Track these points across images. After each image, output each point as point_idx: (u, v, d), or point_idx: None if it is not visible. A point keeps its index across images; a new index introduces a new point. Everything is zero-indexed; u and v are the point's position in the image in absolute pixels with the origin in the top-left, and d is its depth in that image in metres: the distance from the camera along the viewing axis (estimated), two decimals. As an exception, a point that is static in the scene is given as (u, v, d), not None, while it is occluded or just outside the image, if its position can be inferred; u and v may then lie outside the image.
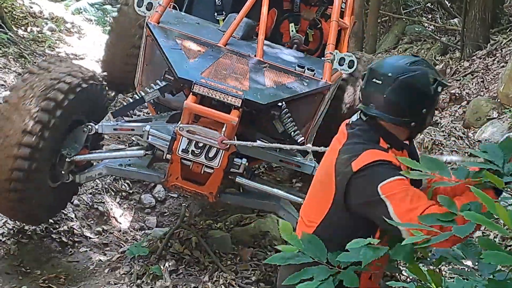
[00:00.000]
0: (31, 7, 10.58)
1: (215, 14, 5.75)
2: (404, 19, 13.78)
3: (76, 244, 5.01)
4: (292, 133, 4.43)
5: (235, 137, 4.22)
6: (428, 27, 13.72)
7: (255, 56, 4.71)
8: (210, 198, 4.41)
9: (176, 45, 4.53)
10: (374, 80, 2.75)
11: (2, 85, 7.18)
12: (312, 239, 2.61)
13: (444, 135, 8.12)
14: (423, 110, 2.74)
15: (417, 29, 13.39)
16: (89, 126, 4.52)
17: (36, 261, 4.70)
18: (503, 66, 9.45)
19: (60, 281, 4.56)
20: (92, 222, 5.34)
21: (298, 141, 4.43)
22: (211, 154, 4.20)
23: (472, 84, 9.68)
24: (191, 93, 4.14)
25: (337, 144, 2.80)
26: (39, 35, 9.68)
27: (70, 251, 4.93)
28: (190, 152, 4.20)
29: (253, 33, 5.10)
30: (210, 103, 4.17)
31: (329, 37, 4.94)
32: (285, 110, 4.38)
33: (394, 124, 2.75)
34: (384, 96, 2.71)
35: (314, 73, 4.62)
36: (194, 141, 4.17)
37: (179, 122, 4.17)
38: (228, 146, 4.11)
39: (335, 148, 2.77)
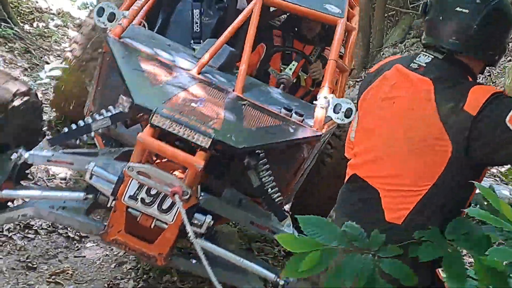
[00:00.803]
0: (37, 2, 10.58)
1: (192, 41, 4.92)
2: (411, 14, 13.72)
3: (83, 239, 4.89)
4: (270, 189, 3.60)
5: (198, 187, 3.39)
6: (435, 22, 13.66)
7: (233, 90, 3.88)
8: (158, 260, 3.47)
9: (138, 66, 3.73)
10: (457, 8, 2.39)
11: (8, 80, 7.15)
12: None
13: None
14: (507, 41, 2.47)
15: (424, 23, 13.36)
16: (18, 153, 3.63)
17: (42, 256, 4.59)
18: (510, 60, 9.41)
19: (67, 276, 4.42)
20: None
21: (277, 199, 3.63)
22: (165, 205, 3.32)
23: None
24: (148, 124, 3.29)
25: (416, 97, 2.40)
26: (45, 30, 9.72)
27: (77, 246, 4.82)
28: (139, 200, 3.32)
29: (234, 64, 4.31)
30: (171, 140, 3.36)
31: (324, 77, 4.13)
32: (263, 160, 3.56)
33: (477, 59, 2.46)
34: (474, 27, 2.37)
35: (303, 119, 3.82)
36: (146, 187, 3.30)
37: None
38: (188, 197, 3.26)
39: (418, 100, 2.37)
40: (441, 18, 2.42)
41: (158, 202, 3.31)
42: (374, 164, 2.52)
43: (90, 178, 3.42)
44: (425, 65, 2.44)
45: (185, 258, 3.61)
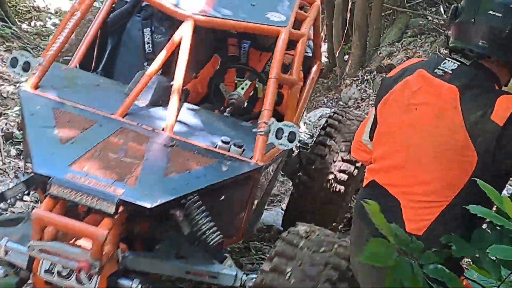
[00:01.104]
0: (35, 1, 10.59)
1: (145, 63, 4.53)
2: (408, 13, 13.69)
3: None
4: (207, 231, 3.39)
5: (118, 251, 3.16)
6: (432, 21, 13.66)
7: (163, 130, 3.59)
8: None
9: (49, 122, 3.43)
10: (490, 12, 2.33)
11: (6, 79, 7.15)
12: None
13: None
14: None
15: (421, 22, 13.30)
16: None
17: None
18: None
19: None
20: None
21: (213, 241, 3.38)
22: (83, 277, 3.07)
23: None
24: (48, 195, 3.03)
25: (441, 105, 2.33)
26: (43, 29, 9.70)
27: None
28: (55, 273, 3.08)
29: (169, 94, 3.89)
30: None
31: (264, 100, 3.75)
32: (196, 204, 3.34)
33: (505, 64, 2.39)
34: (506, 31, 2.31)
35: (243, 150, 3.54)
36: None
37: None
38: (99, 269, 2.97)
39: (444, 108, 2.31)
40: (472, 21, 2.37)
41: (75, 274, 3.07)
42: (394, 171, 2.45)
43: (6, 254, 3.19)
44: (451, 72, 2.38)
45: None
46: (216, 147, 3.57)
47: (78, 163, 3.20)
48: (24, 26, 9.43)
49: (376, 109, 2.63)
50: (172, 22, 4.51)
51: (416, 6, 14.19)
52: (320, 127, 5.35)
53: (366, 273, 2.52)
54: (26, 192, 3.52)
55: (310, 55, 5.18)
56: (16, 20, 9.23)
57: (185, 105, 3.97)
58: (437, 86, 2.36)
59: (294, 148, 5.40)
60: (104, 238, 2.91)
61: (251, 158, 3.55)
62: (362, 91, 10.67)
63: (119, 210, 3.04)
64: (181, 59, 3.82)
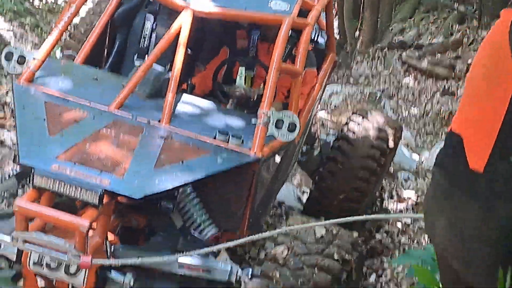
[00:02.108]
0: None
1: (135, 57, 4.44)
2: (420, -12, 13.45)
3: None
4: (202, 224, 3.36)
5: (107, 243, 3.12)
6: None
7: (159, 122, 3.51)
8: None
9: (40, 114, 3.39)
10: None
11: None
12: None
13: (461, 105, 7.91)
14: None
15: (433, -2, 13.05)
16: None
17: None
18: None
19: None
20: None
21: (208, 234, 3.35)
22: (72, 269, 3.01)
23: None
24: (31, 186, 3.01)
25: None
26: (54, 6, 9.74)
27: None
28: (44, 265, 3.05)
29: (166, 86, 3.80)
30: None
31: (264, 91, 3.64)
32: (190, 196, 3.32)
33: None
34: None
35: (242, 142, 3.44)
36: None
37: None
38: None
39: None
40: None
41: (64, 265, 3.03)
42: (459, 110, 2.27)
43: None
44: None
45: None
46: (214, 138, 3.47)
47: (65, 154, 3.14)
48: (36, 2, 9.46)
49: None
50: (176, 15, 4.33)
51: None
52: (344, 122, 5.32)
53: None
54: (20, 187, 3.50)
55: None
56: (29, -4, 9.30)
57: (185, 96, 3.87)
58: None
59: (315, 145, 5.41)
60: (87, 228, 2.84)
61: (249, 149, 3.44)
62: (373, 68, 10.50)
63: (105, 201, 2.96)
64: (179, 49, 3.72)
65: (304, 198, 5.52)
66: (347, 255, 2.92)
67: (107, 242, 3.13)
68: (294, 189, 5.82)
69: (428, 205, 2.43)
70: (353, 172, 4.85)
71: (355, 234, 3.14)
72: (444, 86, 8.83)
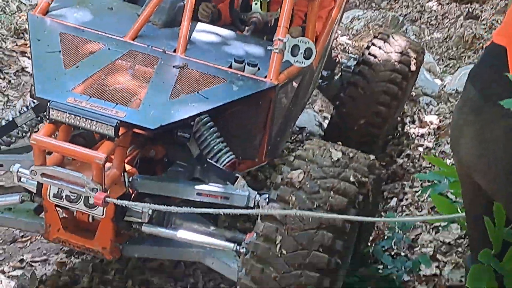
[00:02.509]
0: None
1: None
2: None
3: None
4: (218, 152, 3.36)
5: (125, 174, 3.14)
6: None
7: (174, 51, 3.49)
8: (105, 254, 3.24)
9: (55, 46, 3.38)
10: None
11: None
12: None
13: (485, 28, 7.76)
14: None
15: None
16: None
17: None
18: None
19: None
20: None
21: (224, 161, 3.34)
22: (92, 200, 3.00)
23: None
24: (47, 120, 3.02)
25: None
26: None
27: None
28: (64, 197, 3.09)
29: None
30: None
31: (280, 16, 3.58)
32: (207, 125, 3.32)
33: None
34: None
35: (258, 70, 3.44)
36: None
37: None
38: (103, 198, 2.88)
39: None
40: None
41: (83, 197, 3.06)
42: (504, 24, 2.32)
43: (19, 180, 3.19)
44: None
45: (137, 244, 3.36)
46: (230, 66, 3.46)
47: (81, 87, 3.15)
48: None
49: None
50: None
51: None
52: (365, 46, 5.26)
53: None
54: (39, 120, 3.54)
55: None
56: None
57: (201, 24, 3.84)
58: None
59: (336, 70, 5.36)
60: (103, 161, 2.85)
61: (265, 77, 3.44)
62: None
63: (121, 133, 2.98)
64: None
65: (325, 123, 5.51)
66: (363, 178, 2.91)
67: (125, 173, 3.15)
68: (315, 115, 5.81)
69: (456, 120, 2.42)
70: (374, 97, 4.82)
71: (372, 157, 3.12)
72: (468, 10, 8.64)
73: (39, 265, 3.89)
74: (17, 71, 5.84)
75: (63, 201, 3.10)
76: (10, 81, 5.72)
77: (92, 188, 2.88)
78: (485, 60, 2.33)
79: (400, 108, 5.25)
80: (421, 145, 5.23)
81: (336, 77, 5.31)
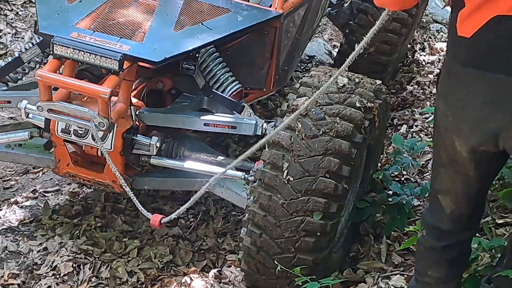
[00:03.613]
0: None
1: None
2: None
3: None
4: (224, 82, 3.39)
5: (132, 108, 3.15)
6: None
7: None
8: (115, 187, 3.28)
9: None
10: None
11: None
12: None
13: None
14: None
15: None
16: None
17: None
18: None
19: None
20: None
21: (230, 91, 3.38)
22: (99, 134, 3.02)
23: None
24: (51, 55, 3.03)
25: None
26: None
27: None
28: (72, 132, 3.12)
29: None
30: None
31: None
32: (212, 56, 3.34)
33: None
34: None
35: None
36: None
37: None
38: (107, 127, 2.94)
39: None
40: None
41: (91, 132, 3.06)
42: None
43: (27, 116, 3.22)
44: None
45: (147, 176, 3.43)
46: None
47: (84, 21, 3.14)
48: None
49: None
50: None
51: None
52: None
53: None
54: (45, 56, 3.54)
55: None
56: None
57: None
58: None
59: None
60: (108, 95, 2.86)
61: (270, 6, 3.41)
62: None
63: (126, 67, 2.97)
64: None
65: (335, 52, 5.46)
66: (369, 103, 2.90)
67: (132, 107, 3.17)
68: (325, 43, 5.76)
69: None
70: (384, 24, 4.72)
71: (378, 82, 3.11)
72: None
73: (51, 195, 3.95)
74: (25, 2, 5.78)
75: (71, 136, 3.14)
76: (17, 12, 5.68)
77: (98, 122, 2.90)
78: None
79: (410, 36, 5.18)
80: (431, 72, 5.19)
81: (345, 5, 5.22)
